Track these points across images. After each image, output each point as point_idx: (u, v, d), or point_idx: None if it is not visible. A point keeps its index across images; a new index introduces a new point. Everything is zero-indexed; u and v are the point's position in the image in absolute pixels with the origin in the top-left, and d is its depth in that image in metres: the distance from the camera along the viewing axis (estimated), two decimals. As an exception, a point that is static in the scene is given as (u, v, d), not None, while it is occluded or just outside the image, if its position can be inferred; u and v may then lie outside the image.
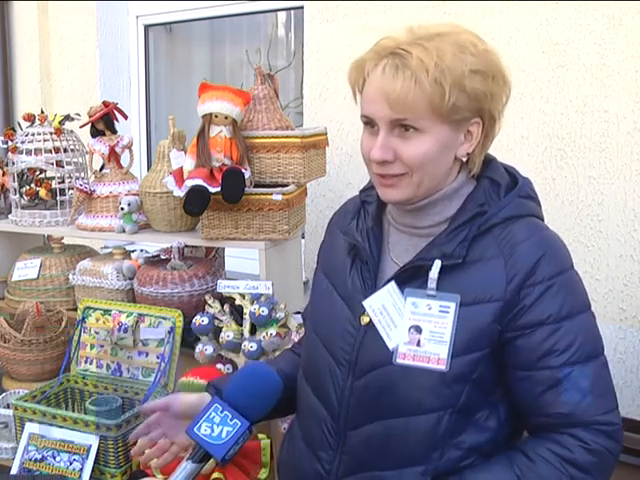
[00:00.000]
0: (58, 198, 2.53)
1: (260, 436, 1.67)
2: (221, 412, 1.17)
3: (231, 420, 1.16)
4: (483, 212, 1.23)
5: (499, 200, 1.25)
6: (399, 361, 1.22)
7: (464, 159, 1.25)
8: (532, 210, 1.29)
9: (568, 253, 1.25)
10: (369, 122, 1.23)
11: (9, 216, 2.63)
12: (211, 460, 1.45)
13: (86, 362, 2.07)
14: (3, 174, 2.68)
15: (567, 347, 1.17)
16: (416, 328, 1.23)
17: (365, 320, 1.27)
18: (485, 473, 1.20)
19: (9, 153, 2.53)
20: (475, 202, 1.25)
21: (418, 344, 1.22)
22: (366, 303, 1.27)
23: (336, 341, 1.31)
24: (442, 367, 1.19)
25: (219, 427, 1.16)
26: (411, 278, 1.25)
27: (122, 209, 2.30)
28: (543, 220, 1.31)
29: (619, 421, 1.21)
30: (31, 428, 1.81)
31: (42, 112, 2.58)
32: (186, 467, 1.16)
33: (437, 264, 1.21)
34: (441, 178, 1.24)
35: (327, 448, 1.31)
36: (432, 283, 1.21)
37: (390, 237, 1.34)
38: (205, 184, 1.99)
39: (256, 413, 1.21)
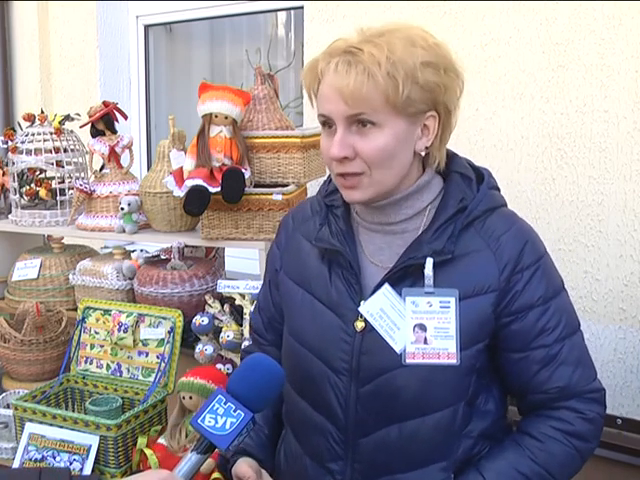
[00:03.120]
0: (58, 198, 2.53)
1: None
2: (224, 403, 1.17)
3: (234, 411, 1.17)
4: (464, 207, 1.26)
5: (474, 194, 1.28)
6: (409, 361, 1.22)
7: (423, 153, 1.27)
8: (501, 200, 1.33)
9: (540, 239, 1.32)
10: (326, 122, 1.25)
11: (9, 216, 2.63)
12: (211, 460, 1.45)
13: (86, 362, 2.07)
14: (3, 174, 2.68)
15: (557, 324, 1.24)
16: (420, 326, 1.23)
17: (359, 326, 1.26)
18: (501, 461, 1.24)
19: (9, 153, 2.53)
20: (455, 198, 1.27)
21: (425, 342, 1.23)
22: (363, 309, 1.26)
23: (331, 351, 1.29)
24: (453, 361, 1.21)
25: (223, 418, 1.16)
26: (402, 278, 1.26)
27: (122, 209, 2.30)
28: (507, 206, 1.35)
29: (602, 386, 1.29)
30: (31, 428, 1.81)
31: (42, 112, 2.58)
32: (191, 458, 1.16)
33: (430, 261, 1.22)
34: (402, 175, 1.25)
35: (336, 459, 1.30)
36: (429, 280, 1.22)
37: (360, 237, 1.33)
38: (205, 184, 1.99)
39: (260, 404, 1.21)
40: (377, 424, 1.26)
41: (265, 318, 1.50)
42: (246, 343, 1.90)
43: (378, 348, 1.24)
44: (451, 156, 1.33)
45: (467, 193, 1.27)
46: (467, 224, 1.25)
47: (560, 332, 1.24)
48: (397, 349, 1.23)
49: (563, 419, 1.24)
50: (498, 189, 1.35)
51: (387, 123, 1.19)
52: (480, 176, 1.32)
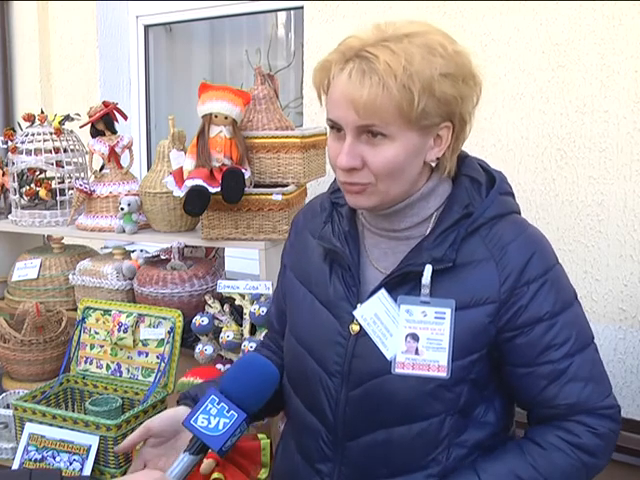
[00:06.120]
0: (58, 198, 2.53)
1: (260, 436, 1.66)
2: (217, 404, 1.17)
3: (228, 412, 1.16)
4: (469, 213, 1.22)
5: (482, 199, 1.24)
6: (398, 371, 1.20)
7: (433, 164, 1.23)
8: (513, 207, 1.28)
9: (552, 248, 1.26)
10: (335, 126, 1.20)
11: (9, 216, 2.63)
12: (211, 460, 1.45)
13: (86, 362, 2.07)
14: (3, 174, 2.67)
15: (566, 340, 1.19)
16: (413, 336, 1.21)
17: (355, 329, 1.24)
18: (499, 462, 1.21)
19: (9, 153, 2.53)
20: (460, 203, 1.23)
21: (416, 352, 1.20)
22: (357, 313, 1.24)
23: (325, 352, 1.27)
24: (443, 374, 1.18)
25: (216, 419, 1.15)
26: (399, 284, 1.23)
27: (122, 209, 2.30)
28: (520, 214, 1.31)
29: (617, 402, 1.25)
30: (31, 428, 1.81)
31: (42, 112, 2.58)
32: (184, 459, 1.15)
33: (429, 269, 1.19)
34: (410, 184, 1.21)
35: (325, 460, 1.29)
36: (425, 289, 1.19)
37: (366, 240, 1.31)
38: (205, 184, 1.99)
39: (253, 404, 1.20)
40: (365, 428, 1.24)
41: (276, 310, 1.50)
42: (245, 343, 1.90)
43: (370, 353, 1.22)
44: (462, 158, 1.28)
45: (474, 198, 1.23)
46: (472, 231, 1.21)
47: (570, 347, 1.19)
48: (388, 356, 1.21)
49: (571, 431, 1.20)
50: (512, 195, 1.30)
51: (398, 135, 1.14)
52: (492, 180, 1.27)
